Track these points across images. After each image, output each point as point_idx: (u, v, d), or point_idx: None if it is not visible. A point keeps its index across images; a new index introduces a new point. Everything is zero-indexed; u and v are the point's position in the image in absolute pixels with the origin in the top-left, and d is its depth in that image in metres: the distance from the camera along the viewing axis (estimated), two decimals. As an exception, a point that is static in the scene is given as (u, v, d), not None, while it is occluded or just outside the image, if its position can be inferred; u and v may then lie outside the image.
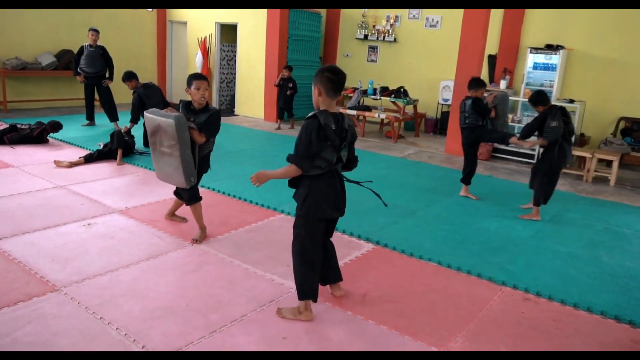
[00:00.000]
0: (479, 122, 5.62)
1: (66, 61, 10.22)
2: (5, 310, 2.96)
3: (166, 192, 5.38)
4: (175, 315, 3.02)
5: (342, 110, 9.80)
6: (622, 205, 6.02)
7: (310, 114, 2.83)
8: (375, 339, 2.90)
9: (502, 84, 9.13)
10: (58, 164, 6.15)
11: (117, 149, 6.51)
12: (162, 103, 7.14)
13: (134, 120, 7.03)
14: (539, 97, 5.20)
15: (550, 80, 8.62)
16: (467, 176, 5.88)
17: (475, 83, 5.69)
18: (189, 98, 3.98)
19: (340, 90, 2.84)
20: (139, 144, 7.19)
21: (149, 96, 6.98)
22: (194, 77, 3.86)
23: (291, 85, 9.59)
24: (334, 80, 2.80)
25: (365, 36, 11.46)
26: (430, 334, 3.01)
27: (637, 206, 6.04)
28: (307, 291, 2.98)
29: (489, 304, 3.42)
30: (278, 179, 2.90)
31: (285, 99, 9.71)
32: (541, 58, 8.68)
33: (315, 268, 2.99)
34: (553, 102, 8.06)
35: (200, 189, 5.57)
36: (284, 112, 9.92)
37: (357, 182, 3.11)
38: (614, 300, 3.55)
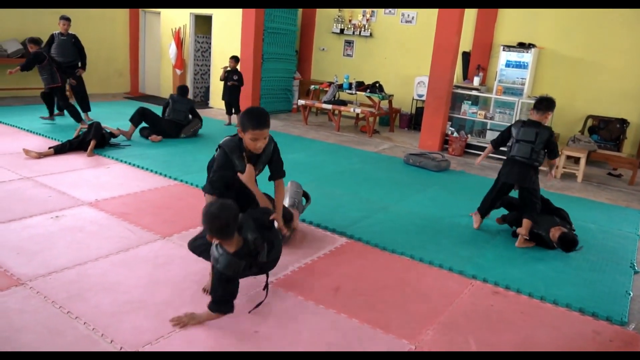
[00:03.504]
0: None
1: (34, 49, 9.91)
2: (-33, 304, 2.87)
3: (137, 185, 5.30)
4: (146, 309, 2.98)
5: (317, 104, 9.85)
6: (588, 201, 6.19)
7: None
8: (347, 332, 2.92)
9: (476, 81, 9.26)
10: (27, 152, 5.98)
11: (92, 139, 6.36)
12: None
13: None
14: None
15: (522, 78, 8.79)
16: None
17: (548, 104, 4.39)
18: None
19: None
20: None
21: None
22: (252, 125, 3.03)
23: (236, 77, 8.86)
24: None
25: (342, 30, 11.46)
26: (401, 326, 3.04)
27: (602, 202, 6.21)
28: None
29: (459, 297, 3.48)
30: None
31: (230, 92, 8.95)
32: (513, 56, 8.84)
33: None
34: (524, 99, 8.24)
35: (173, 182, 5.53)
36: (232, 107, 9.15)
37: None
38: (579, 293, 3.65)
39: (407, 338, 2.92)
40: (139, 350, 2.59)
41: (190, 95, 11.63)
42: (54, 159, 5.99)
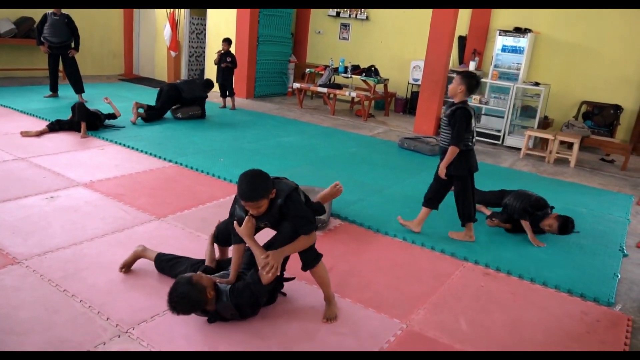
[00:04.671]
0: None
1: (26, 29, 9.81)
2: (-37, 282, 2.89)
3: (132, 166, 5.30)
4: (142, 288, 3.01)
5: (312, 87, 9.82)
6: (580, 186, 6.25)
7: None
8: (340, 310, 2.97)
9: (472, 65, 9.25)
10: (25, 134, 5.98)
11: (79, 121, 6.32)
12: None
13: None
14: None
15: (518, 63, 8.78)
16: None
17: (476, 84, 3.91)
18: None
19: None
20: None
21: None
22: (239, 194, 2.62)
23: (229, 59, 8.79)
24: None
25: (338, 13, 11.38)
26: (393, 306, 3.09)
27: (594, 187, 6.27)
28: None
29: (451, 279, 3.53)
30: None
31: (223, 74, 8.89)
32: (510, 41, 8.82)
33: None
34: (519, 84, 8.24)
35: (167, 164, 5.53)
36: (225, 89, 9.01)
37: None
38: (568, 275, 3.72)
39: (399, 317, 2.97)
40: (134, 328, 2.63)
41: (184, 77, 11.57)
42: (48, 140, 5.97)
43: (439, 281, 3.48)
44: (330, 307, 2.94)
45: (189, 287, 2.55)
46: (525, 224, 4.30)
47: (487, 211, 4.78)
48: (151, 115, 7.50)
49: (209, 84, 8.27)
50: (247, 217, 2.70)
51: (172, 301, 2.52)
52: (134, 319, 2.70)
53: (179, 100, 7.77)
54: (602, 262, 4.01)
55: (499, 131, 8.24)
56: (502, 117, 8.22)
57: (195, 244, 3.63)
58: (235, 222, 2.76)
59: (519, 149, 7.85)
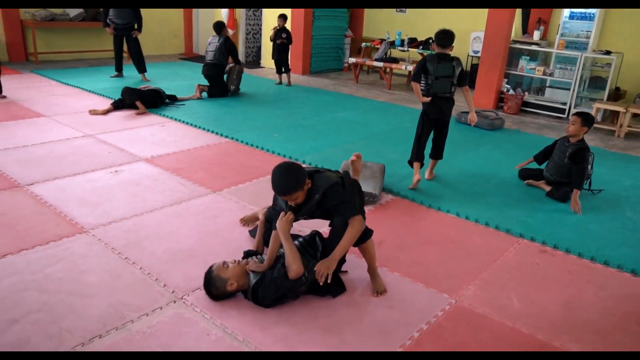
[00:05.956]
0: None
1: (94, 12, 10.27)
2: (37, 248, 3.14)
3: (190, 142, 5.50)
4: (196, 258, 3.15)
5: (368, 62, 9.69)
6: (653, 162, 5.84)
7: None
8: (388, 284, 2.97)
9: (536, 35, 8.78)
10: (93, 112, 6.35)
11: (132, 103, 6.61)
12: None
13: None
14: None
15: (587, 31, 8.25)
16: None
17: (453, 36, 4.54)
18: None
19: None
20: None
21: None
22: (273, 188, 2.65)
23: (285, 35, 8.74)
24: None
25: (395, -15, 11.08)
26: (442, 281, 3.06)
27: (669, 162, 5.85)
28: None
29: (505, 255, 3.44)
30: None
31: (279, 51, 8.87)
32: (579, 7, 8.27)
33: None
34: (588, 54, 7.75)
35: (224, 139, 5.68)
36: (281, 66, 9.06)
37: None
38: (633, 254, 3.52)
39: (448, 292, 2.94)
40: (189, 294, 2.77)
41: (241, 56, 11.71)
42: (113, 118, 6.29)
43: (492, 258, 3.39)
44: (378, 281, 2.95)
45: (207, 279, 2.72)
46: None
47: (547, 187, 4.59)
48: (213, 92, 7.77)
49: (216, 26, 7.94)
50: (283, 214, 2.71)
51: (205, 290, 2.74)
52: (189, 286, 2.84)
53: (220, 71, 7.90)
54: (673, 242, 3.76)
55: (565, 104, 7.82)
56: (568, 90, 7.78)
57: (248, 217, 3.74)
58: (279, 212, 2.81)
59: (586, 123, 7.40)
